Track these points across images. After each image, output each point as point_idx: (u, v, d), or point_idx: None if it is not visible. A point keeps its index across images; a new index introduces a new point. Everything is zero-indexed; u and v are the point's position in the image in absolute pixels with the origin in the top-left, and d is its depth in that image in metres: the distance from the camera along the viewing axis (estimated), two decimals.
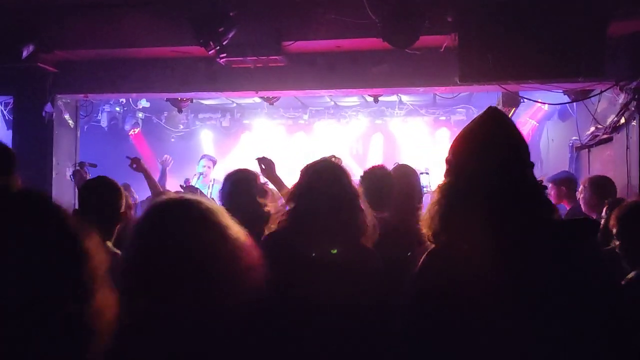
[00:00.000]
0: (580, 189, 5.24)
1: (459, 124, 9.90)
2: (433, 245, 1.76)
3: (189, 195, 1.66)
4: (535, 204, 1.69)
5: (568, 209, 5.49)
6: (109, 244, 2.71)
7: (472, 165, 1.72)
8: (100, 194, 2.82)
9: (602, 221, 4.03)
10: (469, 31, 4.59)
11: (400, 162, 4.28)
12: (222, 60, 4.82)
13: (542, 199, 1.73)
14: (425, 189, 7.55)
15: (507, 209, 1.65)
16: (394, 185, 3.51)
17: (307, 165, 2.54)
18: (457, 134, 1.85)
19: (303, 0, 4.50)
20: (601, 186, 4.98)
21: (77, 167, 5.67)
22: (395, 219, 3.18)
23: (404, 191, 3.50)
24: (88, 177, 5.27)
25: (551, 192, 5.45)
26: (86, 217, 2.67)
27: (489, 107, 1.84)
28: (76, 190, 5.89)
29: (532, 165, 1.76)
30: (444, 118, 9.84)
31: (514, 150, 1.74)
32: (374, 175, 3.57)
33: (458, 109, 9.72)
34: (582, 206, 5.14)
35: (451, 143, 1.84)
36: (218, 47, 4.47)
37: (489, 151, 1.72)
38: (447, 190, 1.75)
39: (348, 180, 2.45)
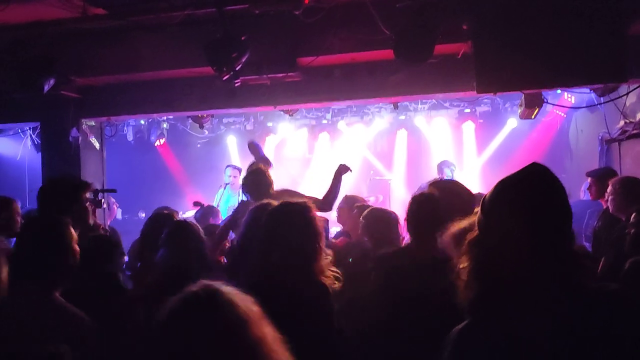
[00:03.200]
0: (609, 190, 5.09)
1: (484, 116, 9.74)
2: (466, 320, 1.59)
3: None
4: (574, 276, 1.54)
5: (604, 208, 5.34)
6: None
7: (510, 228, 1.54)
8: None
9: (633, 230, 3.92)
10: (485, 39, 4.47)
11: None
12: (237, 84, 4.83)
13: (580, 270, 1.56)
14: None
15: (547, 280, 1.51)
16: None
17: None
18: (494, 188, 1.62)
19: (314, 20, 4.45)
20: (632, 188, 4.81)
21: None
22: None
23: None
24: (103, 205, 5.22)
25: (592, 188, 5.29)
26: None
27: (533, 164, 1.61)
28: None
29: (573, 237, 1.63)
30: (468, 110, 9.66)
31: (558, 220, 1.55)
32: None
33: (484, 100, 9.52)
34: (610, 207, 5.00)
35: (488, 196, 1.62)
36: (232, 73, 4.48)
37: (531, 215, 1.53)
38: (480, 252, 1.58)
39: None
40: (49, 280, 2.37)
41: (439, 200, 3.18)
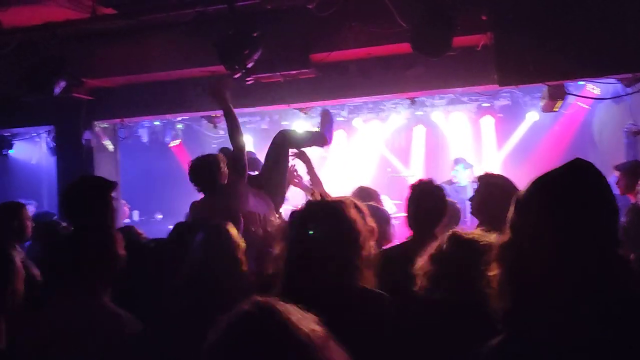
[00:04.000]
0: None
1: (504, 110, 9.50)
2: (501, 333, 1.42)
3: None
4: (624, 283, 1.37)
5: (632, 202, 5.12)
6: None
7: (548, 229, 1.37)
8: None
9: None
10: (505, 30, 4.30)
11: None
12: (249, 82, 4.72)
13: (629, 276, 1.40)
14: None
15: (592, 288, 1.34)
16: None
17: None
18: (530, 185, 1.45)
19: (328, 15, 4.31)
20: None
21: None
22: None
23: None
24: None
25: (620, 182, 5.09)
26: None
27: (576, 160, 1.45)
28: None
29: (620, 239, 1.42)
30: (487, 105, 9.42)
31: (603, 221, 1.39)
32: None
33: (502, 94, 9.28)
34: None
35: (523, 193, 1.45)
36: (244, 71, 4.37)
37: (573, 215, 1.36)
38: (514, 257, 1.42)
39: None
40: (96, 287, 2.43)
41: (439, 192, 3.02)
